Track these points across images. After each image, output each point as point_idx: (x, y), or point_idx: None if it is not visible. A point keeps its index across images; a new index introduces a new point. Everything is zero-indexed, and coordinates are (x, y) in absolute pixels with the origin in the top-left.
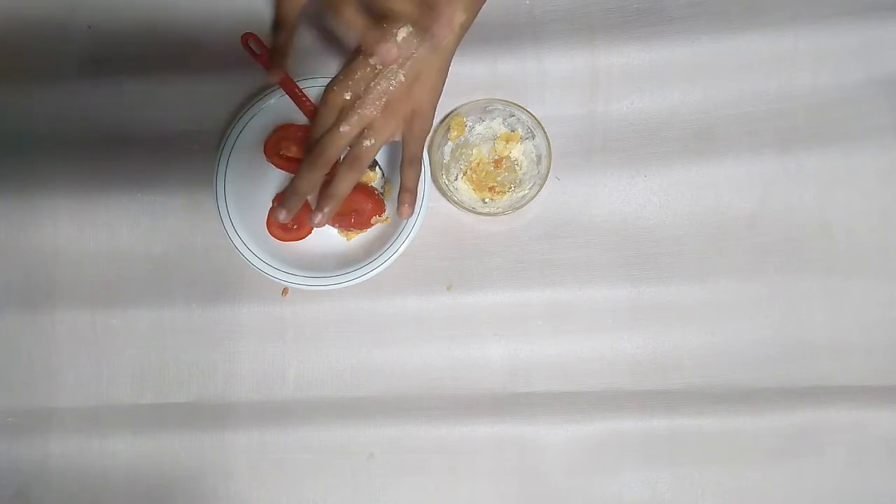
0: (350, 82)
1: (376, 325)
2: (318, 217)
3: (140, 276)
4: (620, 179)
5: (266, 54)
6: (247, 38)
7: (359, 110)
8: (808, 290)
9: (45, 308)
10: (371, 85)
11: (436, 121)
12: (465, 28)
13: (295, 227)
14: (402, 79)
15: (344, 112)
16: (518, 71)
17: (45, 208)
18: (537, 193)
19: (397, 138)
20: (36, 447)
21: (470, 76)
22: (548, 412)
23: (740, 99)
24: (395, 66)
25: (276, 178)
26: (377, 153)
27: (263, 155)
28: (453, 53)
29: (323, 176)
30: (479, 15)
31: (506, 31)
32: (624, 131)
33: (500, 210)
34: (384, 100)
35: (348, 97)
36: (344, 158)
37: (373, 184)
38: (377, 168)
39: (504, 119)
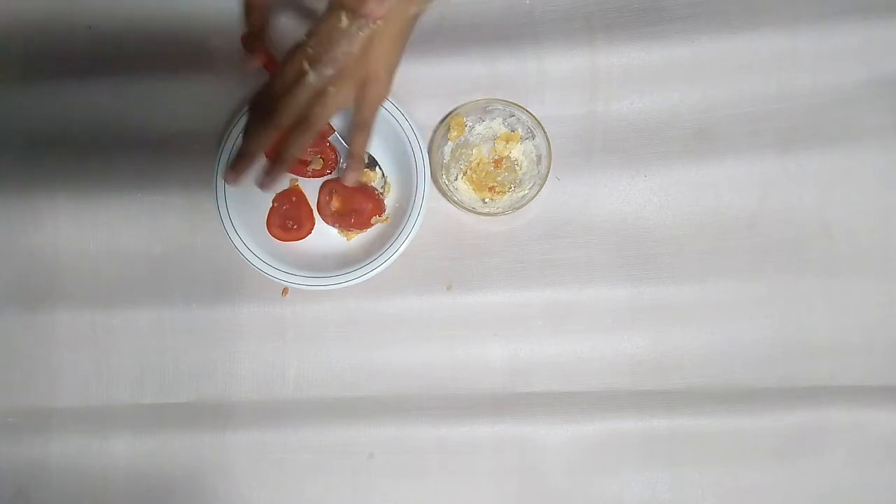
0: (314, 45)
1: (376, 325)
2: (267, 179)
3: (140, 276)
4: (620, 179)
5: (266, 54)
6: (246, 37)
7: (313, 76)
8: (808, 290)
9: (45, 308)
10: (328, 51)
11: (436, 121)
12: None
13: (295, 227)
14: (357, 45)
15: (300, 75)
16: (518, 71)
17: (45, 208)
18: (537, 193)
19: (349, 105)
20: (36, 447)
21: (470, 76)
22: (548, 412)
23: (740, 99)
24: (354, 32)
25: None
26: (329, 118)
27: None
28: (413, 22)
29: (273, 137)
30: (479, 15)
31: (506, 31)
32: (624, 131)
33: (500, 210)
34: (339, 66)
35: (311, 55)
36: (296, 123)
37: (373, 184)
38: (377, 168)
39: (504, 119)
